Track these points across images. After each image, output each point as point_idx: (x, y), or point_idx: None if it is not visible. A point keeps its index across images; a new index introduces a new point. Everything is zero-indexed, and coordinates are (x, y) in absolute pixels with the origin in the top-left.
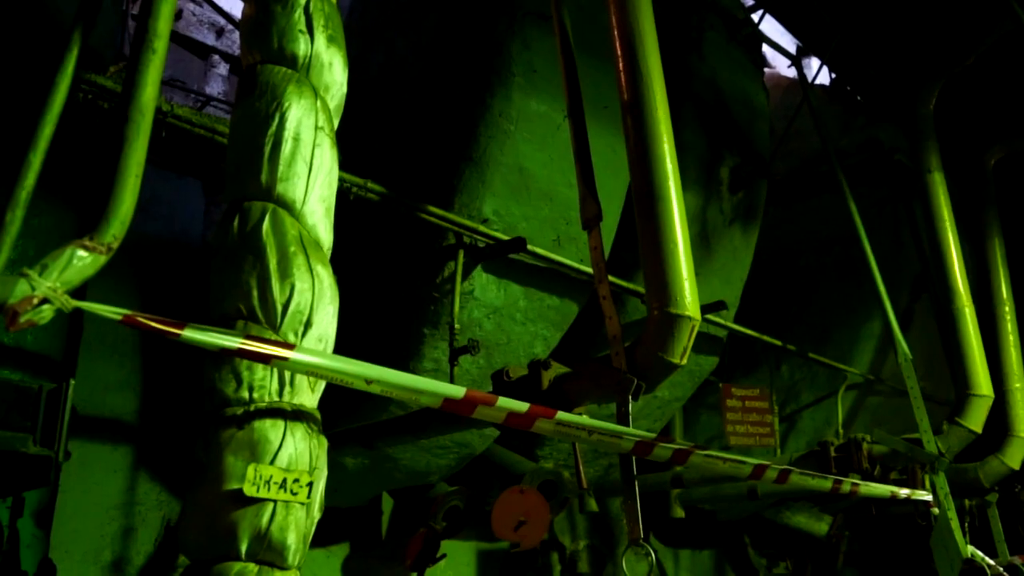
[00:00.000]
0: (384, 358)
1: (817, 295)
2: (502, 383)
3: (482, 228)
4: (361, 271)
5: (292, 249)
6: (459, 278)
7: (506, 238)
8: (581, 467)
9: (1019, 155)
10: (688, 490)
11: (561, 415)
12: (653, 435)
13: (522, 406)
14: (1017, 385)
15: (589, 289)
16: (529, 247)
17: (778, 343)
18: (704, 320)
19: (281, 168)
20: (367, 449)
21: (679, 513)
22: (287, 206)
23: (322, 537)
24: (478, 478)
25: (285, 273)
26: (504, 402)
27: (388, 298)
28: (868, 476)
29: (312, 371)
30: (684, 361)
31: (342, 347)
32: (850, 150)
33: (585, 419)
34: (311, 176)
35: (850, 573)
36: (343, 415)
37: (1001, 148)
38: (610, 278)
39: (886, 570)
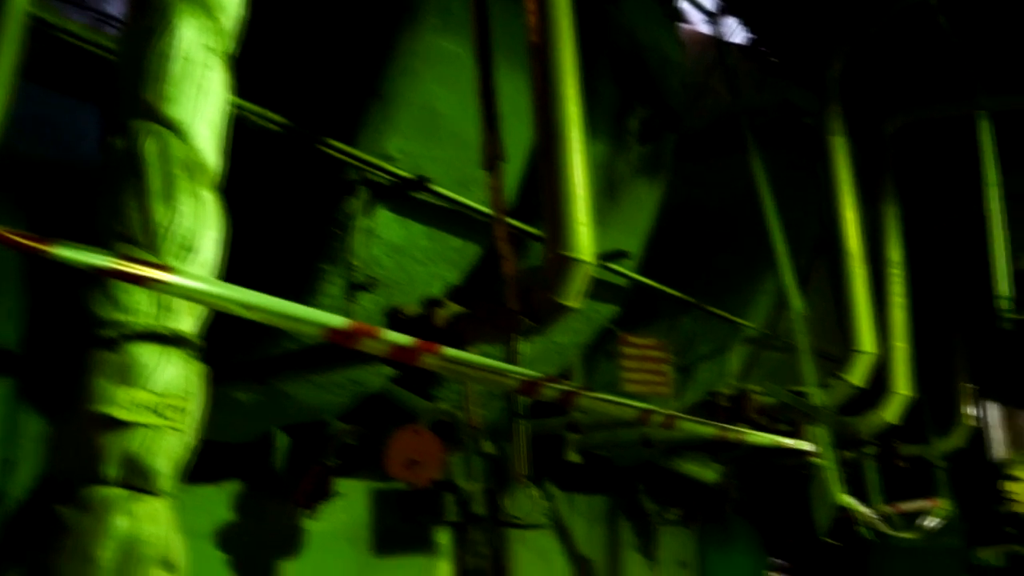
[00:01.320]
0: (282, 293)
1: (722, 251)
2: (397, 320)
3: (386, 166)
4: (261, 203)
5: (176, 172)
6: (360, 215)
7: (411, 177)
8: (473, 407)
9: (916, 126)
10: (585, 436)
11: (447, 351)
12: (539, 375)
13: (407, 340)
14: (900, 344)
15: (492, 232)
16: (433, 187)
17: (678, 295)
18: (605, 269)
19: (168, 88)
20: (260, 384)
21: (575, 458)
22: (173, 128)
23: (212, 473)
24: (374, 417)
25: (168, 196)
26: (388, 335)
27: (288, 232)
28: (756, 426)
29: (189, 295)
30: (577, 304)
31: (238, 280)
32: (763, 110)
33: (471, 356)
34: (200, 98)
35: (738, 520)
36: (236, 348)
37: (899, 118)
38: (510, 221)
39: (771, 517)
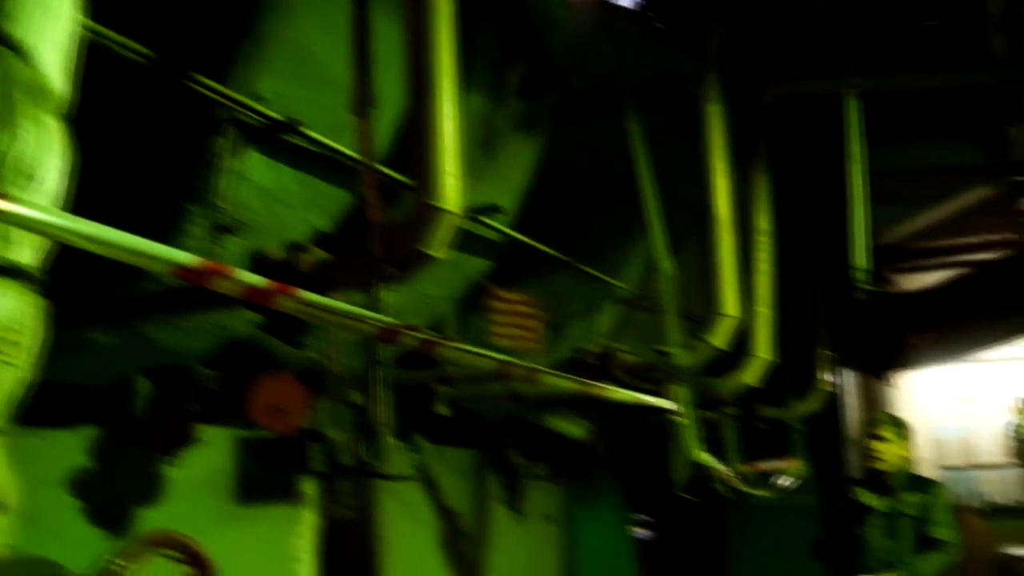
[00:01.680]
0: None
1: (597, 212)
2: (261, 264)
3: (257, 106)
4: (124, 137)
5: (17, 95)
6: (227, 155)
7: (282, 119)
8: (336, 355)
9: (791, 99)
10: (454, 390)
11: (304, 294)
12: (399, 323)
13: (262, 281)
14: (763, 310)
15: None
16: (305, 131)
17: (551, 252)
18: (477, 222)
19: (10, 5)
20: (119, 326)
21: (444, 411)
22: (15, 48)
23: (68, 418)
24: (239, 364)
25: (7, 120)
26: (241, 274)
27: (151, 169)
28: (620, 384)
29: (28, 226)
30: (442, 254)
31: (98, 215)
32: (646, 75)
33: (329, 300)
34: (45, 18)
35: (603, 476)
36: (94, 287)
37: (775, 91)
38: (380, 168)
39: (636, 473)
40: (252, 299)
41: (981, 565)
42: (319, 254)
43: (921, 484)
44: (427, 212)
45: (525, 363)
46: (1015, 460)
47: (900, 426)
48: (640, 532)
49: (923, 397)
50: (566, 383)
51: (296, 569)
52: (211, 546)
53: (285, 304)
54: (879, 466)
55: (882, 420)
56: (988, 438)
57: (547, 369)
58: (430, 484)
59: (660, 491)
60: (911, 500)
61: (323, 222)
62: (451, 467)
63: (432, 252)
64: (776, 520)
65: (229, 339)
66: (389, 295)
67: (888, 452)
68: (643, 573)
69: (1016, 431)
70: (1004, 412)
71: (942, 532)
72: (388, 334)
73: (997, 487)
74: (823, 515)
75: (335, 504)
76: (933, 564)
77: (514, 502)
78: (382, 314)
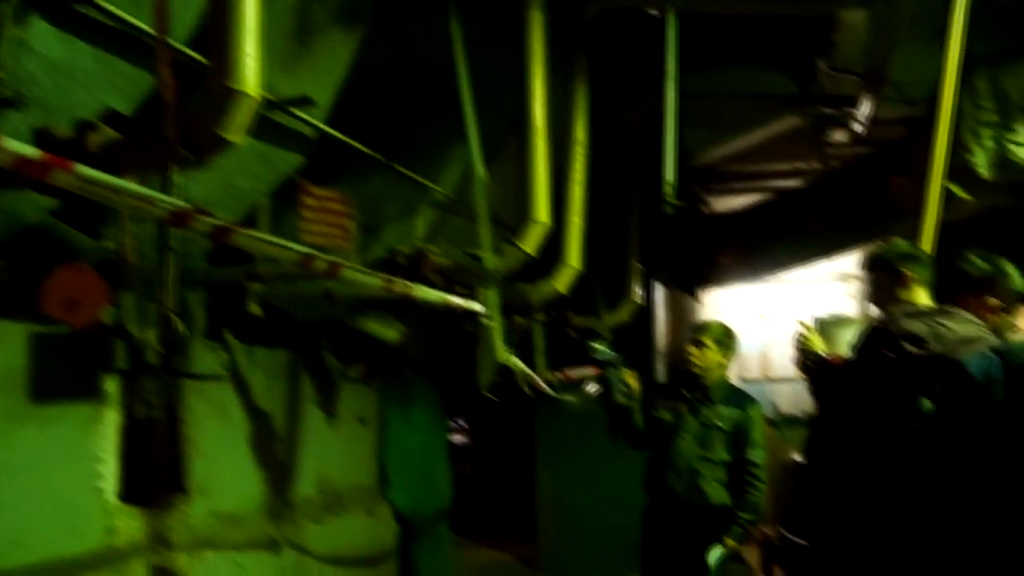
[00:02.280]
0: None
1: (417, 115)
2: (46, 141)
3: None
4: None
5: None
6: (8, 22)
7: None
8: (135, 244)
9: (613, 14)
10: (266, 288)
11: (84, 170)
12: (189, 205)
13: (34, 152)
14: (575, 220)
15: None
16: (99, 2)
17: (366, 150)
18: (290, 115)
19: None
20: None
21: (256, 310)
22: None
23: None
24: (32, 253)
25: None
26: (9, 143)
27: None
28: (432, 286)
29: None
30: (240, 140)
31: None
32: None
33: (113, 178)
34: None
35: (418, 379)
36: None
37: (598, 3)
38: (178, 47)
39: (450, 378)
40: (25, 172)
41: (773, 473)
42: (110, 134)
43: (739, 400)
44: (224, 95)
45: (327, 257)
46: (799, 371)
47: (725, 335)
48: (454, 436)
49: (728, 313)
50: (370, 279)
51: (98, 470)
52: (5, 448)
53: (63, 179)
54: (693, 369)
55: (707, 327)
56: (783, 353)
57: (350, 264)
58: (241, 385)
59: (474, 396)
60: (727, 414)
61: (122, 104)
62: (263, 368)
63: (229, 137)
64: (583, 424)
65: (19, 226)
66: (189, 181)
67: (704, 358)
68: (456, 476)
69: (800, 343)
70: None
71: (755, 454)
72: (178, 218)
73: (789, 399)
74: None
75: (139, 404)
76: (752, 503)
77: (327, 404)
78: (173, 197)
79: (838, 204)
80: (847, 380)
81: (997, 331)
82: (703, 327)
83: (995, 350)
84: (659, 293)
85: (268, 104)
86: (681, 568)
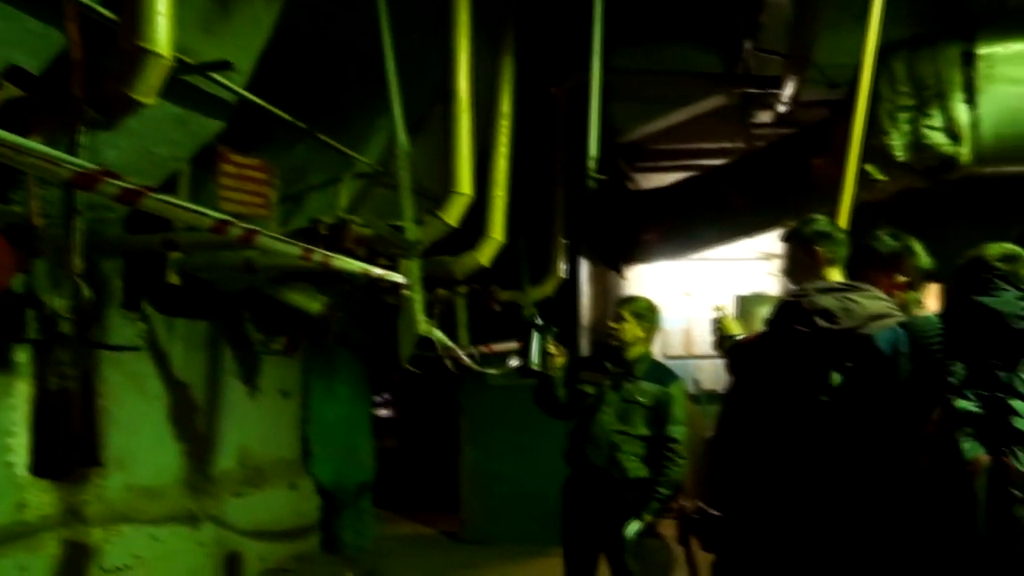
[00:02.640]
0: None
1: (345, 82)
2: None
3: None
4: None
5: None
6: None
7: None
8: (36, 204)
9: None
10: (186, 257)
11: None
12: (96, 167)
13: None
14: (499, 193)
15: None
16: None
17: (289, 118)
18: (210, 80)
19: None
20: None
21: (175, 280)
22: None
23: None
24: None
25: None
26: None
27: None
28: (353, 257)
29: None
30: (151, 100)
31: None
32: None
33: (14, 137)
34: None
35: (342, 352)
36: None
37: None
38: (88, 3)
39: (374, 351)
40: None
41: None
42: (14, 92)
43: (661, 376)
44: (135, 54)
45: (243, 224)
46: (716, 351)
47: (646, 309)
48: (379, 409)
49: (652, 289)
50: (288, 248)
51: (7, 443)
52: None
53: None
54: (614, 343)
55: (629, 301)
56: (705, 330)
57: (267, 232)
58: (159, 356)
59: (398, 369)
60: (648, 389)
61: (32, 64)
62: (183, 339)
63: (139, 98)
64: (506, 398)
65: None
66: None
67: (624, 331)
68: (380, 449)
69: (717, 325)
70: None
71: (674, 430)
72: (85, 180)
73: (711, 375)
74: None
75: (51, 374)
76: (670, 478)
77: (249, 376)
78: (80, 159)
79: (761, 183)
80: (760, 353)
81: (904, 307)
82: (624, 301)
83: (902, 325)
84: (584, 268)
85: (185, 67)
86: (599, 541)
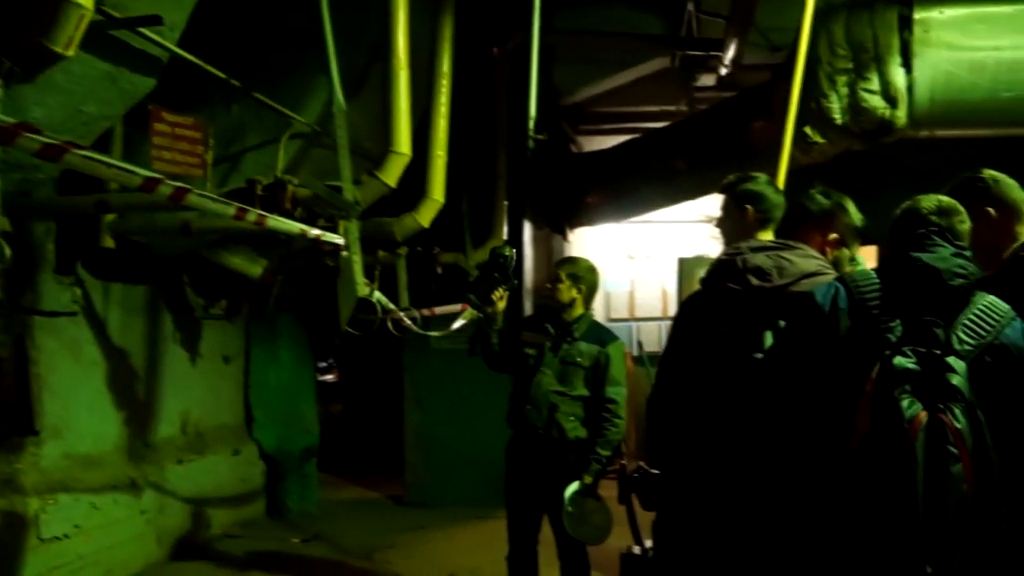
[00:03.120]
0: None
1: (283, 41)
2: None
3: None
4: None
5: None
6: None
7: None
8: None
9: None
10: (120, 220)
11: None
12: (14, 121)
13: None
14: (439, 153)
15: None
16: None
17: (222, 76)
18: (140, 36)
19: None
20: None
21: (110, 243)
22: None
23: None
24: None
25: None
26: None
27: None
28: (291, 218)
29: None
30: (70, 52)
31: None
32: None
33: None
34: None
35: (284, 316)
36: None
37: None
38: None
39: (315, 314)
40: None
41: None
42: None
43: (600, 337)
44: (52, 4)
45: (173, 182)
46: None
47: (585, 270)
48: (323, 374)
49: (596, 252)
50: (221, 208)
51: None
52: None
53: None
54: (552, 303)
55: (565, 262)
56: (649, 293)
57: (199, 191)
58: (96, 321)
59: (341, 333)
60: (586, 350)
61: None
62: (120, 304)
63: (57, 49)
64: (452, 362)
65: None
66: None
67: (559, 292)
68: (325, 414)
69: None
70: (664, 269)
71: (613, 391)
72: (2, 134)
73: (653, 336)
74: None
75: None
76: (608, 438)
77: (189, 342)
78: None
79: (702, 146)
80: (695, 312)
81: (836, 264)
82: (562, 262)
83: (840, 280)
84: (527, 231)
85: (114, 21)
86: (541, 502)
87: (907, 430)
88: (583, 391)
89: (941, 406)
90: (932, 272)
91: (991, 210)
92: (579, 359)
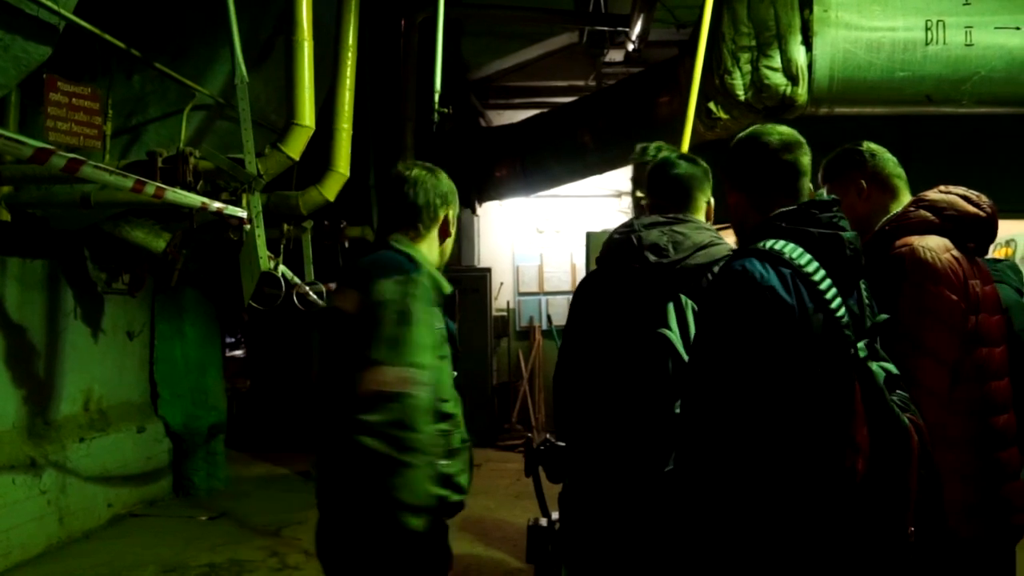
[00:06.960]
0: None
1: (182, 11)
2: None
3: None
4: None
5: None
6: None
7: None
8: None
9: None
10: (15, 192)
11: None
12: None
13: None
14: (344, 126)
15: None
16: None
17: (121, 45)
18: (34, 3)
19: None
20: None
21: (5, 216)
22: None
23: None
24: None
25: None
26: None
27: None
28: (192, 190)
29: None
30: None
31: None
32: None
33: None
34: None
35: (189, 290)
36: None
37: None
38: None
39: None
40: None
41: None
42: None
43: None
44: None
45: (66, 154)
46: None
47: None
48: (231, 350)
49: (506, 227)
50: (117, 180)
51: None
52: None
53: None
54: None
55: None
56: (558, 267)
57: (93, 162)
58: None
59: (247, 308)
60: None
61: None
62: (17, 279)
63: None
64: None
65: None
66: None
67: None
68: (233, 390)
69: None
70: (572, 244)
71: None
72: None
73: (562, 310)
74: None
75: None
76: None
77: (91, 317)
78: None
79: (609, 121)
80: (594, 289)
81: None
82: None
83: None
84: None
85: None
86: None
87: (912, 448)
88: None
89: (903, 405)
90: (853, 248)
91: (863, 182)
92: None
